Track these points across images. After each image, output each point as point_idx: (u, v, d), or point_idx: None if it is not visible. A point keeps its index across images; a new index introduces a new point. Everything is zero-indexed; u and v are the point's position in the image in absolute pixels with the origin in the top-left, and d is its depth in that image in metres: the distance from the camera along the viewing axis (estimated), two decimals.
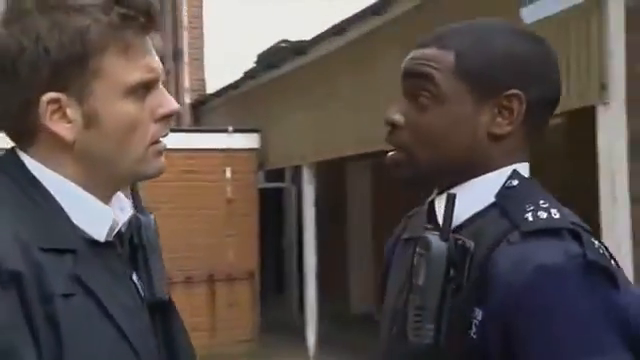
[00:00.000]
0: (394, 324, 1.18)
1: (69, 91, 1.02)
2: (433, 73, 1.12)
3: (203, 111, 12.11)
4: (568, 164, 6.45)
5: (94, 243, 1.04)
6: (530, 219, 1.04)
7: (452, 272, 1.03)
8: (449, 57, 1.12)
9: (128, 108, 1.03)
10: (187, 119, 12.10)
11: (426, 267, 1.03)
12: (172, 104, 1.06)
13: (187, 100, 12.24)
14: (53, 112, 1.02)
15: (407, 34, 6.37)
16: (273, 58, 9.13)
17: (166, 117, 1.06)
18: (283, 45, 9.49)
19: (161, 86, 1.06)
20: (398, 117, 1.14)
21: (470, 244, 1.04)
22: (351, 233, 10.77)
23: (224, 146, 8.84)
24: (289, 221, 11.90)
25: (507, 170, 1.13)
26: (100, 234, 1.05)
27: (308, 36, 8.16)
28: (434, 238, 1.04)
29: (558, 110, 4.86)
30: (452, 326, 1.03)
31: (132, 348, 1.02)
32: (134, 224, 1.13)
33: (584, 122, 5.21)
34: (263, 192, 9.66)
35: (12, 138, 1.07)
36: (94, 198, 1.05)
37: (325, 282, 8.45)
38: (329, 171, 9.49)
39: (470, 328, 1.04)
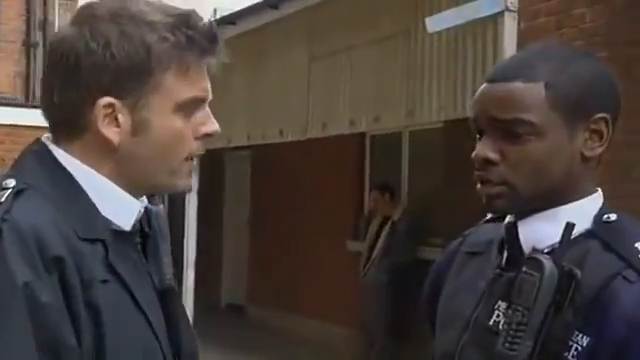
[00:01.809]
0: (467, 331, 1.22)
1: (125, 99, 1.05)
2: (527, 117, 1.14)
3: None
4: (445, 167, 6.76)
5: (118, 233, 1.07)
6: None
7: (557, 295, 1.09)
8: (539, 90, 1.15)
9: (177, 123, 1.07)
10: None
11: (537, 288, 1.09)
12: (215, 126, 1.11)
13: None
14: (105, 115, 1.05)
15: (303, 31, 6.45)
16: None
17: (206, 136, 1.11)
18: None
19: (207, 107, 1.11)
20: (493, 155, 1.16)
21: (577, 272, 1.10)
22: (227, 224, 10.74)
23: None
24: None
25: (595, 199, 1.19)
26: (127, 224, 1.08)
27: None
28: (548, 262, 1.10)
29: (448, 117, 5.08)
30: (546, 345, 1.10)
31: (155, 335, 1.06)
32: (144, 213, 1.14)
33: (460, 128, 5.49)
34: None
35: (55, 128, 1.09)
36: (121, 190, 1.08)
37: (199, 272, 8.39)
38: (207, 160, 9.43)
39: (567, 351, 1.10)
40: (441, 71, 5.02)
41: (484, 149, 1.17)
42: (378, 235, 6.90)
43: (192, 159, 1.10)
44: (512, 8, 4.53)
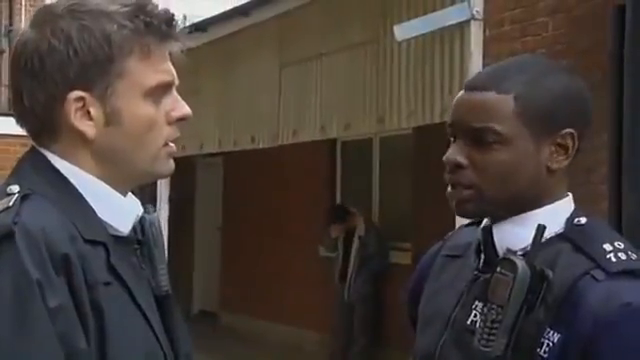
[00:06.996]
0: (446, 331, 1.27)
1: (93, 90, 1.08)
2: (495, 127, 1.20)
3: None
4: (415, 173, 6.85)
5: (117, 238, 1.09)
6: (613, 260, 1.17)
7: (529, 294, 1.14)
8: (509, 102, 1.21)
9: (147, 109, 1.10)
10: None
11: (510, 287, 1.14)
12: (185, 109, 1.13)
13: None
14: (77, 110, 1.07)
15: (273, 38, 6.50)
16: None
17: (179, 120, 1.13)
18: None
19: (175, 91, 1.13)
20: (462, 159, 1.22)
21: (549, 272, 1.16)
22: (199, 231, 10.72)
23: None
24: None
25: (565, 204, 1.24)
26: (126, 227, 1.10)
27: None
28: (521, 263, 1.15)
29: (417, 123, 5.14)
30: (519, 342, 1.15)
31: (157, 338, 1.08)
32: (138, 221, 1.16)
33: (430, 135, 5.57)
34: None
35: (34, 135, 1.11)
36: (118, 193, 1.10)
37: (170, 279, 8.38)
38: (179, 167, 9.41)
39: (540, 347, 1.15)
40: (410, 78, 5.10)
41: (454, 153, 1.23)
42: (347, 251, 6.96)
43: (169, 144, 1.13)
44: (478, 17, 4.63)
